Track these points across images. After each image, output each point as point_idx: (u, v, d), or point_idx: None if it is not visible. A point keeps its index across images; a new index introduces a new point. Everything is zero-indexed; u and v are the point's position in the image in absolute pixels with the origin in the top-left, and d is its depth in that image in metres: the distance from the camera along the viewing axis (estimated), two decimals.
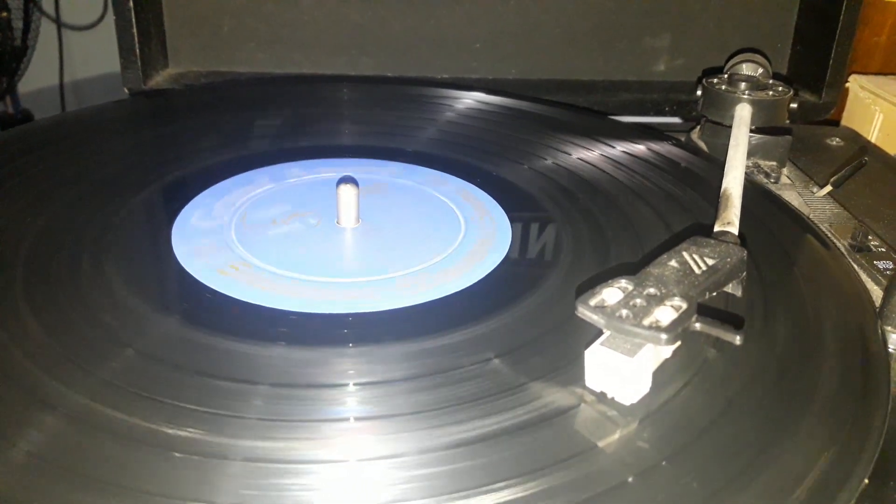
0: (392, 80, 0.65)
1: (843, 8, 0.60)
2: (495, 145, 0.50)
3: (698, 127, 0.56)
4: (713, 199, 0.41)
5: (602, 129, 0.53)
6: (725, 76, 0.54)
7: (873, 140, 0.60)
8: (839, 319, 0.33)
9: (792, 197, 0.48)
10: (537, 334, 0.31)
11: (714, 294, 0.31)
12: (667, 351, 0.28)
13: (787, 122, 0.52)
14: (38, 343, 0.29)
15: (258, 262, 0.36)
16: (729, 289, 0.32)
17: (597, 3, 0.65)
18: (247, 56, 0.64)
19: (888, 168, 0.53)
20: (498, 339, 0.31)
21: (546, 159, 0.48)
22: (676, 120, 0.66)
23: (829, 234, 0.43)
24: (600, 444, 0.25)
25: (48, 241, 0.37)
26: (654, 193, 0.44)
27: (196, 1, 0.62)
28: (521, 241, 0.39)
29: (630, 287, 0.29)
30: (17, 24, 0.92)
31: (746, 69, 0.55)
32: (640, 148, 0.50)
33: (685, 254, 0.31)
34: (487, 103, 0.57)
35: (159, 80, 0.62)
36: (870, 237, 0.43)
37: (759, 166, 0.51)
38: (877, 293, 0.38)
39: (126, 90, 0.59)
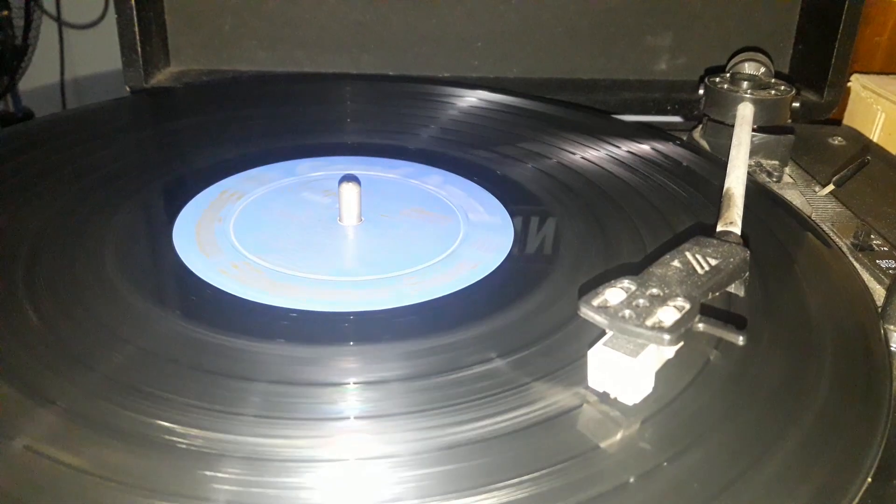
0: (394, 78, 0.64)
1: (845, 7, 0.60)
2: (498, 144, 0.50)
3: (700, 126, 0.55)
4: (715, 198, 0.41)
5: (605, 128, 0.53)
6: (727, 75, 0.54)
7: (875, 139, 0.59)
8: (841, 319, 0.33)
9: (794, 196, 0.48)
10: (539, 334, 0.31)
11: (717, 294, 0.31)
12: (669, 351, 0.28)
13: (789, 121, 0.52)
14: (39, 339, 0.29)
15: (259, 260, 0.36)
16: (732, 289, 0.32)
17: (598, 2, 0.65)
18: (248, 54, 0.64)
19: (890, 167, 0.53)
20: (500, 339, 0.31)
21: (549, 158, 0.48)
22: (678, 119, 0.66)
23: (832, 234, 0.43)
24: (602, 444, 0.25)
25: (49, 239, 0.37)
26: (656, 193, 0.44)
27: None
28: (523, 240, 0.39)
29: (633, 287, 0.29)
30: (18, 22, 0.92)
31: (748, 68, 0.55)
32: (643, 147, 0.50)
33: (688, 254, 0.31)
34: (490, 101, 0.57)
35: (161, 78, 0.62)
36: (872, 236, 0.42)
37: (761, 165, 0.51)
38: (879, 292, 0.38)
39: (127, 88, 0.59)
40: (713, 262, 0.31)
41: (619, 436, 0.26)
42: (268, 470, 0.24)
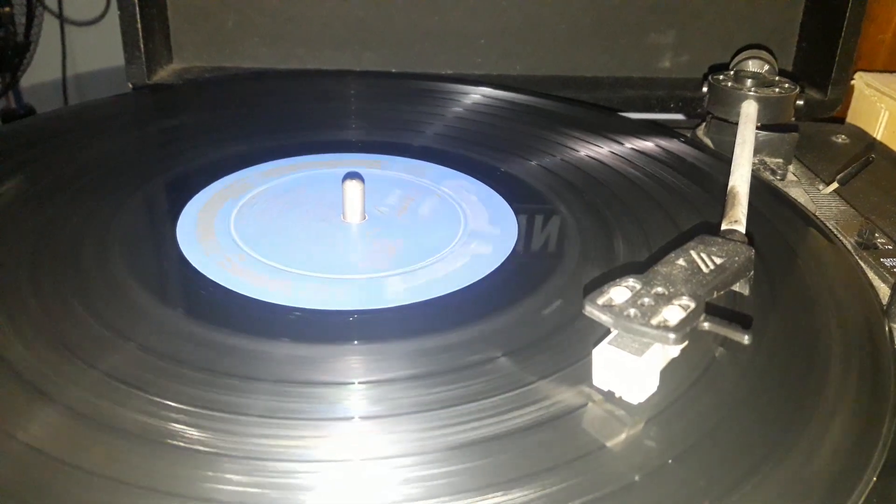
0: (397, 75, 0.64)
1: (849, 5, 0.60)
2: (502, 141, 0.50)
3: (704, 124, 0.55)
4: (720, 195, 0.41)
5: (609, 125, 0.53)
6: (731, 73, 0.54)
7: (879, 137, 0.59)
8: (846, 317, 0.33)
9: (798, 194, 0.48)
10: (544, 333, 0.31)
11: (722, 293, 0.31)
12: (675, 350, 0.28)
13: (793, 119, 0.52)
14: (41, 336, 0.29)
15: (263, 258, 0.36)
16: (737, 288, 0.32)
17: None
18: (250, 51, 0.64)
19: (894, 165, 0.53)
20: (504, 338, 0.31)
21: (553, 155, 0.48)
22: (681, 116, 0.66)
23: (836, 232, 0.43)
24: (608, 443, 0.25)
25: (51, 236, 0.36)
26: (661, 190, 0.44)
27: None
28: (527, 238, 0.39)
29: (638, 286, 0.28)
30: (20, 19, 0.92)
31: (752, 66, 0.55)
32: (647, 144, 0.49)
33: (693, 252, 0.31)
34: (494, 98, 0.57)
35: (163, 74, 0.62)
36: (876, 234, 0.42)
37: (764, 163, 0.51)
38: (884, 290, 0.37)
39: (130, 85, 0.59)
40: (718, 260, 0.31)
41: (624, 434, 0.26)
42: (271, 470, 0.24)
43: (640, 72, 0.67)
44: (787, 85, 0.52)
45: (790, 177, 0.51)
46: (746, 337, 0.27)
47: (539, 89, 0.61)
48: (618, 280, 0.29)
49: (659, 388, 0.27)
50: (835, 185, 0.48)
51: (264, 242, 0.38)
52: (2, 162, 0.43)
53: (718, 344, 0.30)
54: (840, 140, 0.57)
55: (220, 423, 0.25)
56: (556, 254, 0.38)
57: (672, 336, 0.26)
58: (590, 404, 0.27)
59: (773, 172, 0.50)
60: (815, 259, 0.38)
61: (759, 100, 0.50)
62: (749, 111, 0.49)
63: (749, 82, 0.51)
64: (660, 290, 0.28)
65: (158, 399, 0.26)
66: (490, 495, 0.23)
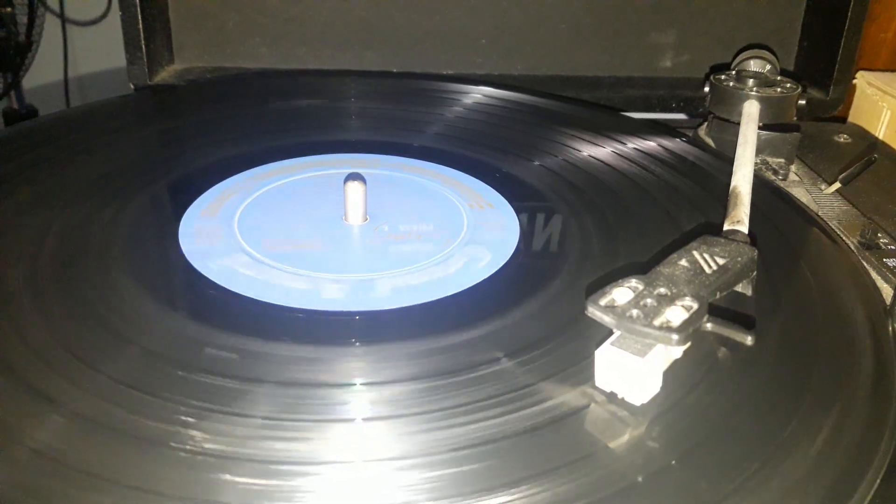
0: (398, 75, 0.64)
1: (851, 4, 0.60)
2: (503, 141, 0.50)
3: (705, 123, 0.55)
4: (722, 195, 0.40)
5: (611, 124, 0.53)
6: (733, 72, 0.54)
7: (881, 137, 0.59)
8: (849, 318, 0.33)
9: (800, 194, 0.48)
10: (546, 334, 0.31)
11: (724, 294, 0.31)
12: (677, 351, 0.28)
13: (795, 118, 0.52)
14: (43, 340, 0.29)
15: (265, 259, 0.36)
16: (739, 288, 0.32)
17: None
18: (252, 51, 0.64)
19: None
20: (506, 339, 0.31)
21: (555, 155, 0.48)
22: (683, 116, 0.66)
23: (838, 232, 0.43)
24: (610, 444, 0.25)
25: (53, 238, 0.36)
26: (663, 191, 0.44)
27: None
28: (529, 239, 0.39)
29: (640, 287, 0.28)
30: (22, 19, 0.92)
31: (754, 65, 0.55)
32: (649, 144, 0.49)
33: (695, 253, 0.31)
34: (495, 98, 0.57)
35: (165, 75, 0.62)
36: (879, 234, 0.42)
37: (767, 163, 0.51)
38: (886, 291, 0.37)
39: (131, 85, 0.59)
40: (721, 261, 0.31)
41: (626, 435, 0.26)
42: (273, 472, 0.24)
43: (641, 71, 0.67)
44: (788, 84, 0.52)
45: (792, 177, 0.51)
46: (749, 338, 0.27)
47: (540, 89, 0.61)
48: (620, 281, 0.29)
49: (661, 389, 0.27)
50: (837, 185, 0.48)
51: (267, 244, 0.38)
52: (4, 164, 0.43)
53: (721, 345, 0.30)
54: (842, 139, 0.57)
55: (223, 424, 0.25)
56: (557, 254, 0.38)
57: (675, 337, 0.26)
58: (592, 405, 0.27)
59: (776, 172, 0.50)
60: (818, 259, 0.38)
61: (760, 99, 0.50)
62: (751, 111, 0.49)
63: (751, 82, 0.51)
64: (662, 290, 0.28)
65: (160, 402, 0.26)
66: (492, 497, 0.23)
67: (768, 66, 0.55)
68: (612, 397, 0.27)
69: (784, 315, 0.33)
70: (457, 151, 0.49)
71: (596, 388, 0.27)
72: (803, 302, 0.34)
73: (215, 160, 0.46)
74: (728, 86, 0.52)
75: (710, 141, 0.54)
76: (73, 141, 0.47)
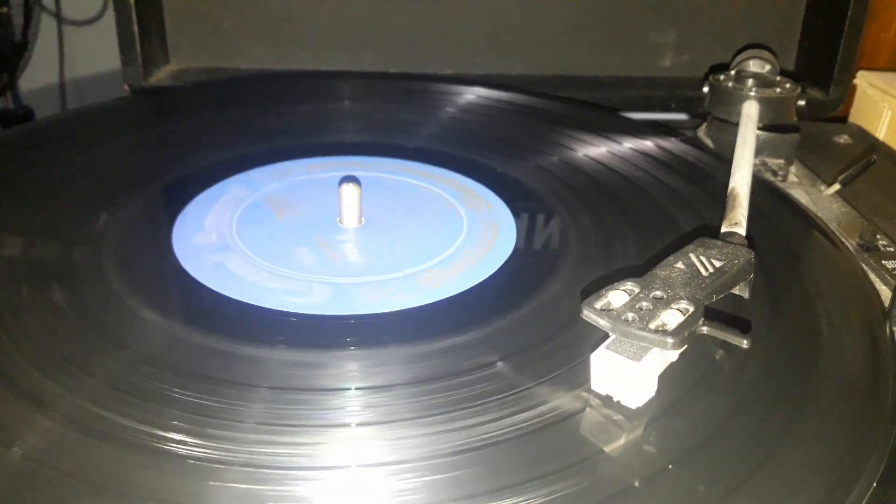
0: (394, 76, 0.64)
1: (851, 4, 0.59)
2: (500, 142, 0.50)
3: (705, 124, 0.55)
4: (720, 196, 0.40)
5: (608, 125, 0.52)
6: (732, 73, 0.54)
7: (881, 137, 0.59)
8: (847, 320, 0.33)
9: (799, 195, 0.47)
10: (542, 337, 0.31)
11: (721, 296, 0.30)
12: (673, 354, 0.28)
13: (795, 119, 0.51)
14: (37, 344, 0.29)
15: (259, 262, 0.36)
16: (736, 291, 0.32)
17: None
18: (248, 52, 0.64)
19: None
20: (502, 342, 0.30)
21: (552, 156, 0.48)
22: (682, 116, 0.66)
23: (837, 233, 0.42)
24: (606, 448, 0.25)
25: (48, 240, 0.36)
26: (660, 192, 0.43)
27: None
28: (525, 241, 0.39)
29: (636, 290, 0.28)
30: (17, 19, 0.91)
31: (753, 66, 0.55)
32: (646, 144, 0.49)
33: (692, 255, 0.31)
34: (491, 98, 0.56)
35: (160, 76, 0.61)
36: (878, 236, 0.42)
37: (766, 164, 0.51)
38: (885, 293, 0.37)
39: (127, 86, 0.59)
40: (718, 263, 0.31)
41: (622, 439, 0.26)
42: (268, 478, 0.24)
43: (640, 71, 0.67)
44: (788, 85, 0.51)
45: (791, 178, 0.50)
46: (745, 341, 0.27)
47: (539, 89, 0.61)
48: (616, 284, 0.29)
49: (657, 392, 0.27)
50: (836, 187, 0.48)
51: (261, 247, 0.37)
52: (0, 167, 0.43)
53: (717, 348, 0.30)
54: (842, 140, 0.57)
55: (218, 430, 0.25)
56: (554, 256, 0.37)
57: (670, 341, 0.26)
58: (588, 409, 0.27)
59: (775, 173, 0.50)
60: (817, 261, 0.37)
61: (760, 100, 0.50)
62: (750, 111, 0.49)
63: (750, 82, 0.51)
64: (658, 293, 0.28)
65: (155, 407, 0.26)
66: (488, 501, 0.23)
67: (768, 67, 0.55)
68: (607, 401, 0.27)
69: (782, 318, 0.32)
70: (454, 153, 0.48)
71: (592, 392, 0.27)
72: (801, 304, 0.34)
73: (211, 162, 0.46)
74: (727, 86, 0.51)
75: (709, 141, 0.53)
76: (69, 143, 0.47)
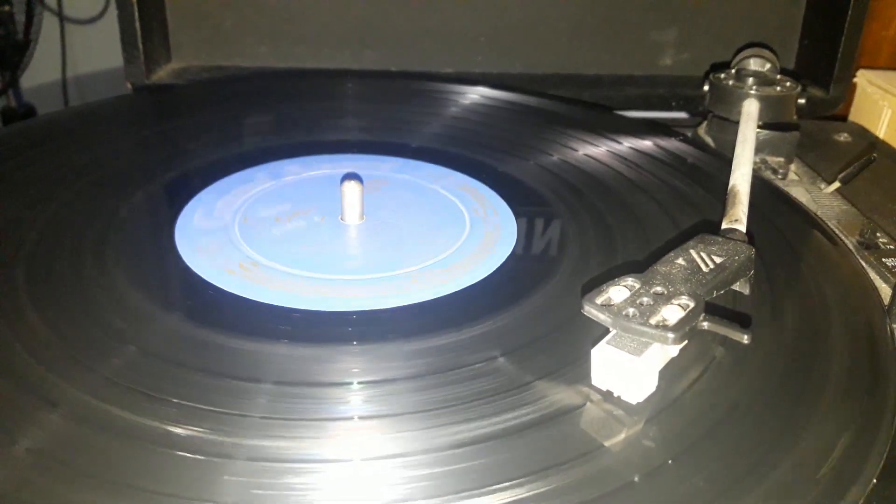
0: (395, 75, 0.64)
1: (851, 2, 0.59)
2: (500, 140, 0.50)
3: (705, 122, 0.55)
4: (720, 195, 0.40)
5: (608, 124, 0.53)
6: (732, 71, 0.54)
7: (881, 136, 0.59)
8: (847, 317, 0.33)
9: (799, 193, 0.48)
10: (543, 332, 0.31)
11: (722, 292, 0.30)
12: (674, 350, 0.28)
13: (795, 117, 0.52)
14: (41, 340, 0.29)
15: (261, 259, 0.36)
16: (737, 287, 0.32)
17: None
18: (249, 50, 0.64)
19: None
20: (503, 338, 0.31)
21: (552, 155, 0.48)
22: (683, 115, 0.66)
23: (837, 231, 0.42)
24: (606, 443, 0.25)
25: (51, 238, 0.36)
26: (660, 190, 0.44)
27: None
28: (526, 238, 0.39)
29: (637, 285, 0.28)
30: (20, 17, 0.92)
31: (754, 64, 0.55)
32: (646, 143, 0.49)
33: (693, 252, 0.31)
34: (492, 98, 0.57)
35: (162, 74, 0.61)
36: (878, 234, 0.42)
37: (766, 162, 0.51)
38: (885, 291, 0.37)
39: (129, 84, 0.59)
40: (718, 259, 0.31)
41: (623, 434, 0.26)
42: (272, 471, 0.24)
43: (641, 70, 0.67)
44: (788, 83, 0.52)
45: (792, 176, 0.51)
46: (746, 336, 0.27)
47: (540, 87, 0.61)
48: (617, 279, 0.29)
49: (658, 387, 0.27)
50: (836, 185, 0.48)
51: (263, 244, 0.37)
52: (2, 164, 0.43)
53: (718, 343, 0.30)
54: (842, 138, 0.57)
55: (222, 425, 0.25)
56: (555, 253, 0.38)
57: (671, 336, 0.26)
58: (588, 404, 0.27)
59: (775, 171, 0.50)
60: (816, 259, 0.38)
61: (760, 98, 0.50)
62: (750, 110, 0.49)
63: (750, 80, 0.51)
64: (659, 289, 0.28)
65: (159, 402, 0.26)
66: (488, 495, 0.23)
67: (768, 65, 0.55)
68: (608, 396, 0.27)
69: (781, 314, 0.33)
70: (454, 151, 0.49)
71: (592, 387, 0.27)
72: (801, 301, 0.34)
73: (213, 160, 0.46)
74: (727, 84, 0.52)
75: (709, 140, 0.53)
76: (71, 141, 0.47)
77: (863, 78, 0.63)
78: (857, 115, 0.63)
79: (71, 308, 0.31)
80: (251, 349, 0.29)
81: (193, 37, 0.63)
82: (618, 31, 0.66)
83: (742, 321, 0.29)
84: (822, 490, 0.24)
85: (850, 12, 0.60)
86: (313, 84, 0.60)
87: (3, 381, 0.27)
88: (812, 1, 0.65)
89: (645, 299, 0.28)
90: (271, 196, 0.42)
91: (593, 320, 0.27)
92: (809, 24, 0.65)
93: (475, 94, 0.57)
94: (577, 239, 0.39)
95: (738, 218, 0.36)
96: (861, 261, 0.39)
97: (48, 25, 1.00)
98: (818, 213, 0.45)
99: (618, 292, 0.28)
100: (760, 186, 0.43)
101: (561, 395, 0.27)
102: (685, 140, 0.50)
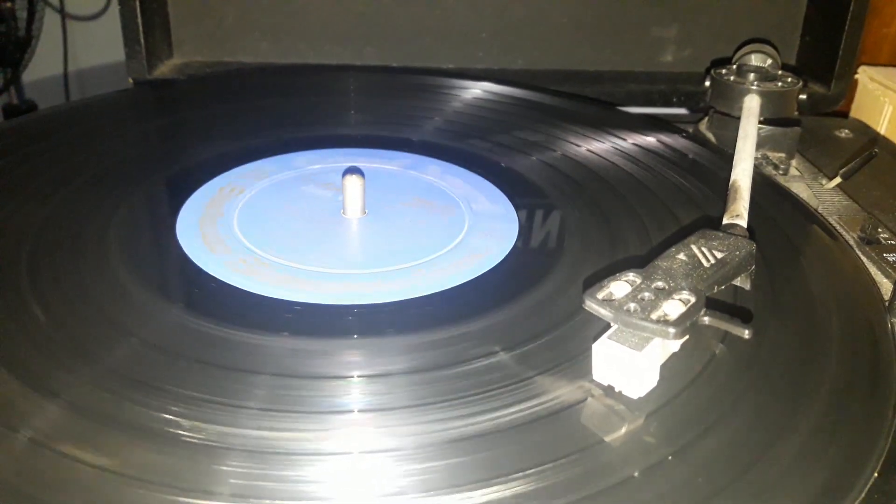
0: (397, 70, 0.64)
1: None
2: (502, 136, 0.50)
3: (706, 118, 0.55)
4: (722, 190, 0.40)
5: (610, 119, 0.53)
6: (734, 67, 0.54)
7: (882, 132, 0.59)
8: (848, 313, 0.33)
9: (801, 189, 0.48)
10: (544, 327, 0.31)
11: (723, 287, 0.30)
12: (675, 345, 0.28)
13: (796, 113, 0.52)
14: (42, 331, 0.29)
15: (262, 252, 0.36)
16: (738, 282, 0.32)
17: None
18: (251, 46, 0.64)
19: None
20: (504, 332, 0.31)
21: (554, 150, 0.48)
22: (684, 111, 0.66)
23: (838, 227, 0.42)
24: (607, 438, 0.25)
25: (53, 231, 0.36)
26: (662, 185, 0.44)
27: None
28: (527, 233, 0.39)
29: (638, 280, 0.28)
30: (22, 13, 0.92)
31: (755, 60, 0.55)
32: (648, 139, 0.49)
33: (694, 247, 0.31)
34: (495, 93, 0.57)
35: (164, 70, 0.61)
36: (879, 229, 0.42)
37: (767, 158, 0.51)
38: (886, 286, 0.37)
39: (130, 80, 0.59)
40: (719, 255, 0.31)
41: (623, 429, 0.26)
42: (272, 463, 0.24)
43: (642, 66, 0.67)
44: (789, 79, 0.52)
45: (793, 171, 0.51)
46: (747, 331, 0.27)
47: (541, 83, 0.61)
48: (618, 274, 0.29)
49: (659, 382, 0.27)
50: (838, 180, 0.48)
51: (264, 237, 0.38)
52: (2, 158, 0.43)
53: (719, 339, 0.30)
54: (843, 134, 0.57)
55: (222, 416, 0.25)
56: (556, 248, 0.38)
57: (672, 330, 0.26)
58: (589, 399, 0.27)
59: (776, 167, 0.50)
60: (817, 254, 0.38)
61: (761, 94, 0.50)
62: (751, 105, 0.49)
63: (752, 76, 0.51)
64: (660, 284, 0.28)
65: (160, 393, 0.26)
66: (489, 489, 0.23)
67: (769, 61, 0.55)
68: (609, 391, 0.27)
69: (782, 310, 0.33)
70: (456, 146, 0.49)
71: (593, 382, 0.27)
72: (802, 297, 0.34)
73: (214, 154, 0.46)
74: (729, 80, 0.52)
75: (710, 136, 0.53)
76: (72, 135, 0.47)
77: (864, 74, 0.63)
78: (858, 111, 0.63)
79: (72, 300, 0.31)
80: (251, 341, 0.29)
81: (195, 32, 0.63)
82: (619, 27, 0.66)
83: (743, 316, 0.29)
84: (823, 484, 0.24)
85: (851, 9, 0.60)
86: (315, 79, 0.60)
87: (4, 371, 0.27)
88: None
89: (646, 294, 0.28)
90: (273, 190, 0.42)
91: (594, 315, 0.27)
92: (811, 20, 0.65)
93: (478, 90, 0.57)
94: (578, 234, 0.39)
95: (739, 213, 0.36)
96: (862, 256, 0.39)
97: (50, 22, 1.00)
98: (819, 209, 0.45)
99: (619, 287, 0.28)
100: (761, 182, 0.43)
101: (562, 389, 0.27)
102: (687, 136, 0.50)
